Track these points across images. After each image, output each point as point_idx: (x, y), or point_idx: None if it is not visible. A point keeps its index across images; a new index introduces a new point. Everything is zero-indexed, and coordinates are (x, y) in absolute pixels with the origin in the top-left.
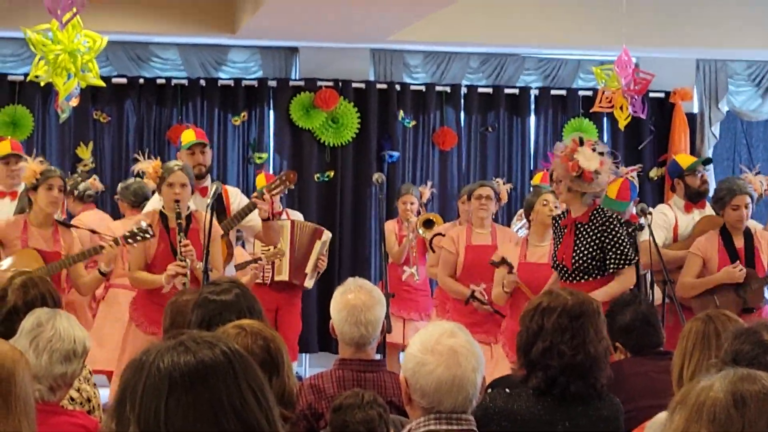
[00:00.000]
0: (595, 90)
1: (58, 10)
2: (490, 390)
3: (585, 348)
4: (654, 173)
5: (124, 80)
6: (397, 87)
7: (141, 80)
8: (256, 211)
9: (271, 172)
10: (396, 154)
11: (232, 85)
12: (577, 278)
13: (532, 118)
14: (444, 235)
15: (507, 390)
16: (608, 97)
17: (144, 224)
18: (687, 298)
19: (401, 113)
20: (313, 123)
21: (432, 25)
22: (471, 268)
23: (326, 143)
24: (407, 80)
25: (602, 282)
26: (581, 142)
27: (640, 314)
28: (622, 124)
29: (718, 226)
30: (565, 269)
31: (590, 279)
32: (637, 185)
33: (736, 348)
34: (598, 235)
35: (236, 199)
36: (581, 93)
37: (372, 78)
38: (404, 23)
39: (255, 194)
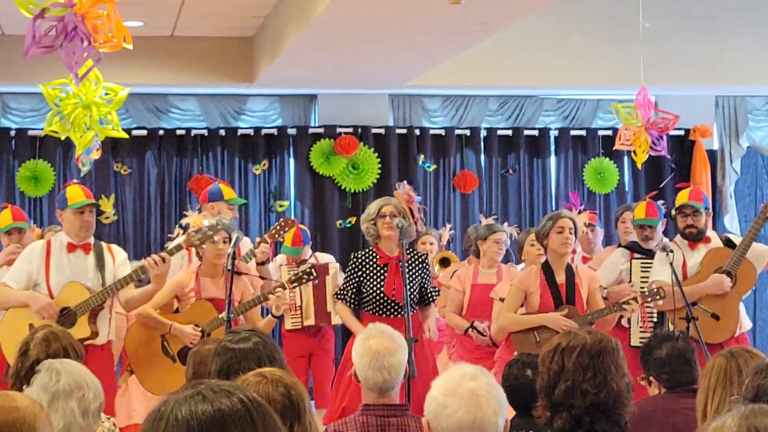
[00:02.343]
0: (614, 129)
1: (73, 64)
2: None
3: (608, 385)
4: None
5: (144, 132)
6: (417, 131)
7: (161, 131)
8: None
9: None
10: (417, 198)
11: (252, 133)
12: (404, 312)
13: (552, 159)
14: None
15: None
16: (628, 135)
17: (306, 268)
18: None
19: (421, 157)
20: (333, 169)
21: (450, 69)
22: (476, 305)
23: (347, 189)
24: (426, 124)
25: (417, 313)
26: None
27: (676, 350)
28: (639, 161)
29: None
30: (395, 304)
31: (412, 312)
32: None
33: (758, 383)
34: (419, 271)
35: (245, 248)
36: (601, 133)
37: (391, 123)
38: (422, 68)
39: (258, 239)
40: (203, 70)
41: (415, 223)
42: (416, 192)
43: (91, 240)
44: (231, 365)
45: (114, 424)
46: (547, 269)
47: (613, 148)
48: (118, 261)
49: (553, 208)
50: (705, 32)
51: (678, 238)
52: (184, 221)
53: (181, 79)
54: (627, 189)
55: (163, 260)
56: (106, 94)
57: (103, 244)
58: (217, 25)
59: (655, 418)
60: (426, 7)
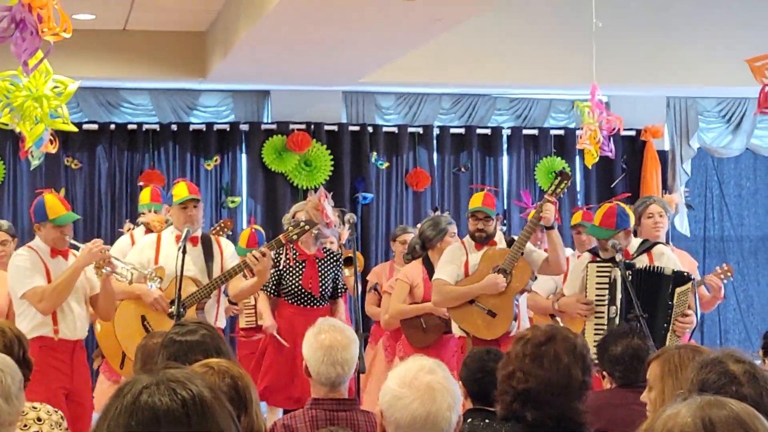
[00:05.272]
0: (566, 129)
1: (21, 53)
2: (469, 420)
3: (556, 375)
4: None
5: (95, 126)
6: (370, 129)
7: (112, 126)
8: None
9: (244, 216)
10: (370, 195)
11: (204, 129)
12: (319, 303)
13: (505, 158)
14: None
15: (487, 420)
16: (587, 135)
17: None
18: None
19: (374, 155)
20: (285, 166)
21: (403, 66)
22: None
23: (299, 186)
24: (379, 122)
25: (328, 306)
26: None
27: (630, 349)
28: (589, 162)
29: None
30: (311, 296)
31: (325, 304)
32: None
33: (702, 378)
34: (332, 268)
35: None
36: (553, 132)
37: (344, 120)
38: (375, 65)
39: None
40: (155, 64)
41: (328, 225)
42: (369, 190)
43: (199, 233)
44: (178, 357)
45: (62, 417)
46: (428, 265)
47: (578, 147)
48: (226, 254)
49: (505, 207)
50: (657, 33)
51: (467, 238)
52: (140, 219)
53: (133, 73)
54: (579, 188)
55: (264, 255)
56: (56, 87)
57: (212, 237)
58: (169, 20)
59: (602, 411)
60: (379, 4)
